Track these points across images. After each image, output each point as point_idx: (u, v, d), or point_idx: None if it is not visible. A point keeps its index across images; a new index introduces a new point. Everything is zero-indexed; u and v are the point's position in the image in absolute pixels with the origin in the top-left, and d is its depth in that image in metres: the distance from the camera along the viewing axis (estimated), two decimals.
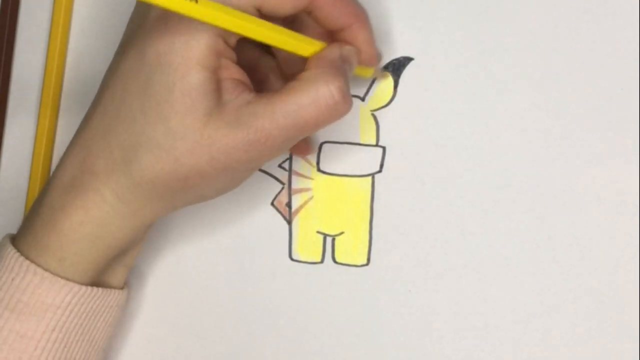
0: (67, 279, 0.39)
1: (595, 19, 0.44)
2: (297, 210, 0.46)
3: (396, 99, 0.45)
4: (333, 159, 0.45)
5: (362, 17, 0.41)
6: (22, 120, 0.48)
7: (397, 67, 0.45)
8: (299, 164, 0.46)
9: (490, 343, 0.43)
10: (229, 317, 0.45)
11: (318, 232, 0.45)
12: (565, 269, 0.43)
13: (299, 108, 0.37)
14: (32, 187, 0.47)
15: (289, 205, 0.46)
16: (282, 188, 0.46)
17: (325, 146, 0.46)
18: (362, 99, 0.45)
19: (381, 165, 0.45)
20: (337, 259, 0.45)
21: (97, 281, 0.40)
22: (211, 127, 0.36)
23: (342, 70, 0.38)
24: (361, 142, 0.45)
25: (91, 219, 0.38)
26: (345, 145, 0.45)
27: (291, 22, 0.41)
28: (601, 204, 0.43)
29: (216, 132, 0.36)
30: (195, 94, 0.36)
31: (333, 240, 0.45)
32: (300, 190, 0.46)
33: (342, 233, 0.45)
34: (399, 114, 0.45)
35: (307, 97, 0.37)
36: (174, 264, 0.46)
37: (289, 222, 0.46)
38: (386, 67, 0.45)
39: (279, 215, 0.46)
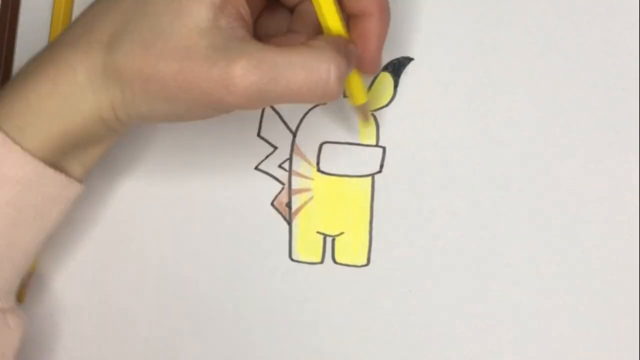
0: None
1: (595, 19, 0.44)
2: (297, 211, 0.46)
3: (396, 99, 0.45)
4: (333, 159, 0.45)
5: (385, 12, 0.40)
6: None
7: (397, 67, 0.45)
8: (299, 164, 0.46)
9: (490, 343, 0.43)
10: (229, 317, 0.45)
11: (318, 232, 0.45)
12: (565, 269, 0.43)
13: (289, 66, 0.35)
14: None
15: (289, 205, 0.46)
16: (282, 188, 0.46)
17: (325, 146, 0.46)
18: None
19: (381, 165, 0.45)
20: (337, 259, 0.45)
21: (54, 167, 0.40)
22: (194, 41, 0.35)
23: (348, 58, 0.37)
24: (361, 142, 0.45)
25: (58, 93, 0.38)
26: (345, 145, 0.45)
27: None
28: (601, 204, 0.43)
29: (197, 49, 0.35)
30: (198, 3, 0.36)
31: (333, 240, 0.45)
32: (300, 191, 0.46)
33: (342, 233, 0.45)
34: (399, 114, 0.45)
35: (302, 60, 0.36)
36: (174, 264, 0.46)
37: (289, 223, 0.46)
38: (386, 67, 0.45)
39: (279, 216, 0.46)
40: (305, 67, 0.35)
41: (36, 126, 0.38)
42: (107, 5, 0.38)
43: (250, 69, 0.35)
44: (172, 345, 0.46)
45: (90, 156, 0.41)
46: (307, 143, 0.46)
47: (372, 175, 0.45)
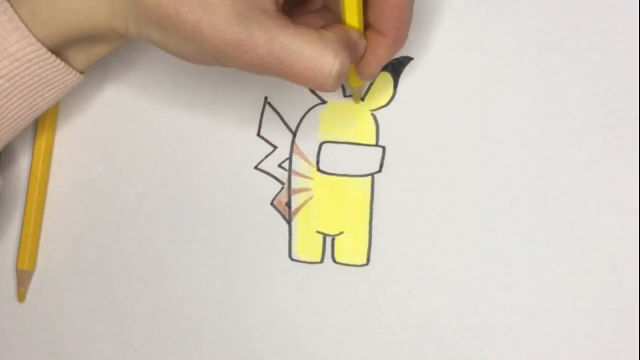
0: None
1: (595, 19, 0.44)
2: (297, 210, 0.46)
3: (396, 99, 0.45)
4: (333, 159, 0.45)
5: (399, 40, 0.40)
6: None
7: (397, 67, 0.45)
8: (299, 164, 0.46)
9: (490, 343, 0.43)
10: (229, 317, 0.45)
11: (318, 232, 0.45)
12: (565, 269, 0.43)
13: (297, 51, 0.37)
14: (32, 187, 0.47)
15: (289, 205, 0.46)
16: (282, 188, 0.46)
17: (325, 146, 0.46)
18: (362, 99, 0.46)
19: (381, 165, 0.45)
20: (337, 259, 0.45)
21: (58, 54, 0.40)
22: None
23: (352, 54, 0.38)
24: (361, 142, 0.45)
25: None
26: (345, 145, 0.45)
27: None
28: (601, 204, 0.43)
29: (221, 8, 0.36)
30: None
31: (333, 240, 0.45)
32: (300, 190, 0.46)
33: (342, 233, 0.45)
34: (399, 114, 0.45)
35: (311, 50, 0.37)
36: (174, 264, 0.46)
37: (289, 222, 0.46)
38: (386, 67, 0.45)
39: (279, 215, 0.46)
40: (312, 58, 0.37)
41: (50, 16, 0.39)
42: None
43: (261, 45, 0.37)
44: (172, 345, 0.46)
45: (97, 52, 0.42)
46: (307, 143, 0.46)
47: (372, 175, 0.45)
